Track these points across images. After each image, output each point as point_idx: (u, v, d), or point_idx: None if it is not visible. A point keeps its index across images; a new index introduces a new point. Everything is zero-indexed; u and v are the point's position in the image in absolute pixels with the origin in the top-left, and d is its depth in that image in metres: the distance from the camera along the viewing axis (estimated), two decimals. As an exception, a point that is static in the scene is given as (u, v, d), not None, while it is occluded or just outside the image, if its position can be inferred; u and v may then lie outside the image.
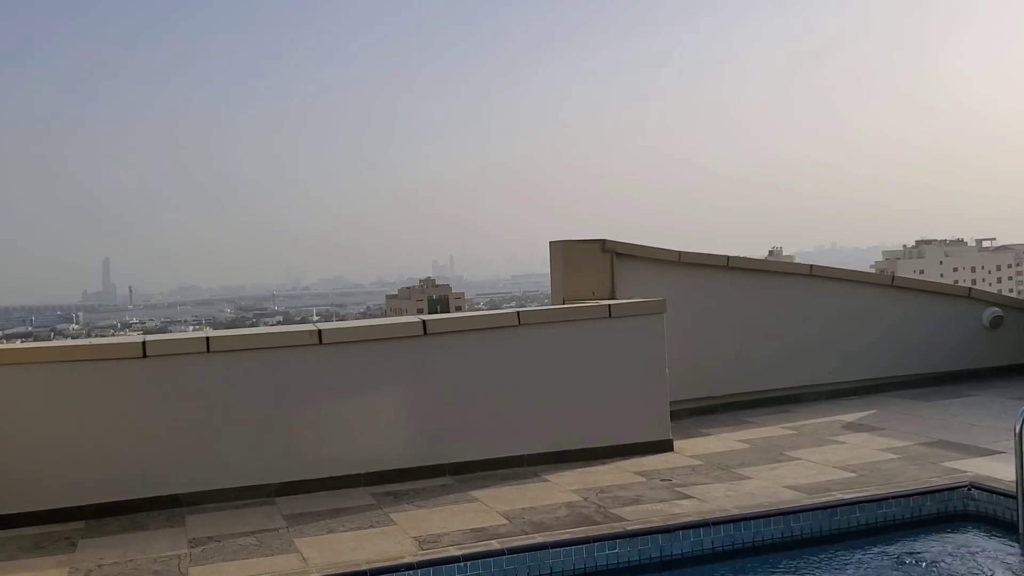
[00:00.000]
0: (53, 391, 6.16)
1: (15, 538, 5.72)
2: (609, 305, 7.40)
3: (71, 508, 6.07)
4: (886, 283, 10.10)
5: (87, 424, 6.20)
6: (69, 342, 7.88)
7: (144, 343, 6.31)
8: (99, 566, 5.10)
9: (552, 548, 5.07)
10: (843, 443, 7.34)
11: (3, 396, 6.06)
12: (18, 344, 7.41)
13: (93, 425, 6.21)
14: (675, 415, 7.67)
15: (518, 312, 7.24)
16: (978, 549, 5.35)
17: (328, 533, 5.53)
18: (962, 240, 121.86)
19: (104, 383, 6.25)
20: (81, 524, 5.97)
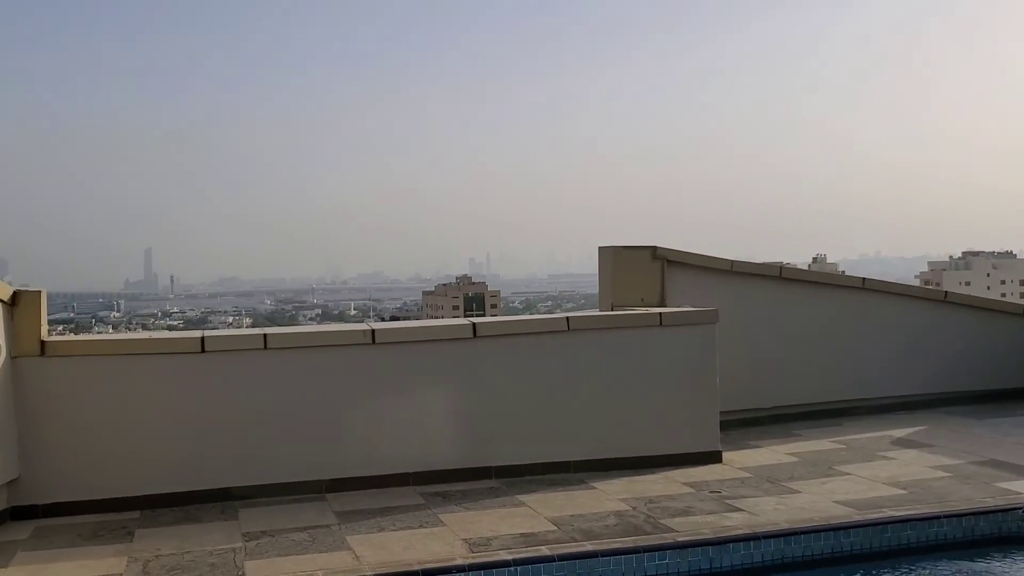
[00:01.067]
0: (113, 383, 6.29)
1: (74, 526, 5.85)
2: (660, 313, 7.39)
3: (127, 498, 6.20)
4: (938, 298, 9.97)
5: (145, 416, 6.32)
6: (131, 335, 8.04)
7: (203, 338, 6.42)
8: (156, 556, 5.20)
9: (602, 556, 5.09)
10: (893, 459, 7.27)
11: (65, 387, 6.19)
12: (79, 336, 7.57)
13: (151, 417, 6.33)
14: (723, 426, 7.63)
15: (567, 317, 7.26)
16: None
17: (379, 531, 5.59)
18: (1011, 252, 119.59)
19: (163, 377, 6.36)
20: (136, 514, 6.08)
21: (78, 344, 6.48)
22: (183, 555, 5.21)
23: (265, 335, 6.58)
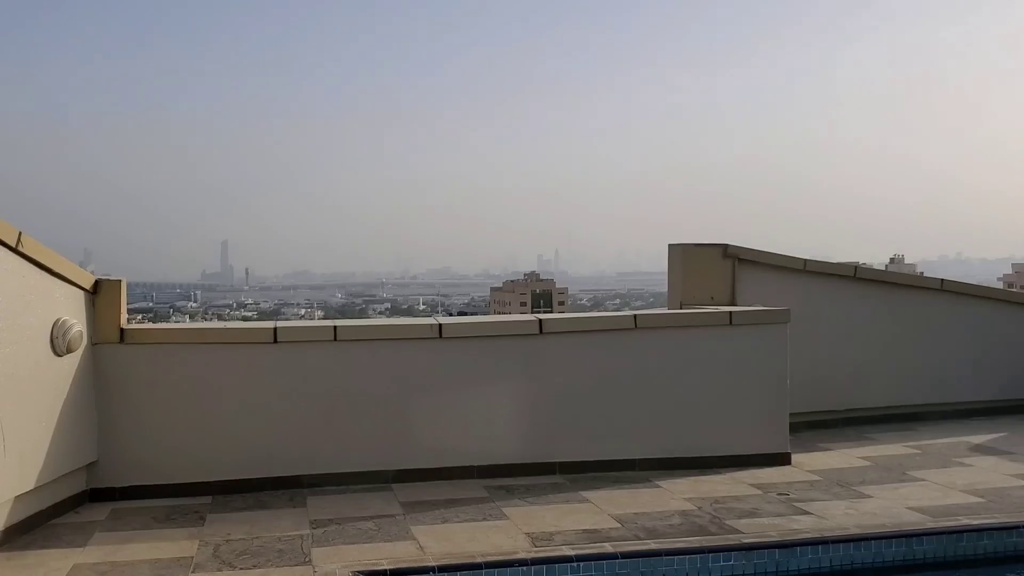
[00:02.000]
0: (189, 371, 6.44)
1: (148, 508, 6.01)
2: (730, 312, 7.29)
3: (199, 483, 6.35)
4: (1021, 301, 9.64)
5: (218, 404, 6.46)
6: (206, 324, 8.23)
7: (276, 329, 6.53)
8: (227, 541, 5.32)
9: (666, 555, 5.03)
10: (970, 466, 7.06)
11: (142, 374, 6.36)
12: (156, 325, 7.78)
13: (224, 406, 6.47)
14: (793, 428, 7.50)
15: (635, 315, 7.20)
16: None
17: (443, 523, 5.63)
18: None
19: (236, 366, 6.50)
20: (208, 499, 6.23)
21: (155, 332, 6.66)
22: (252, 540, 5.32)
23: (335, 327, 6.67)
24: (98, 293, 6.25)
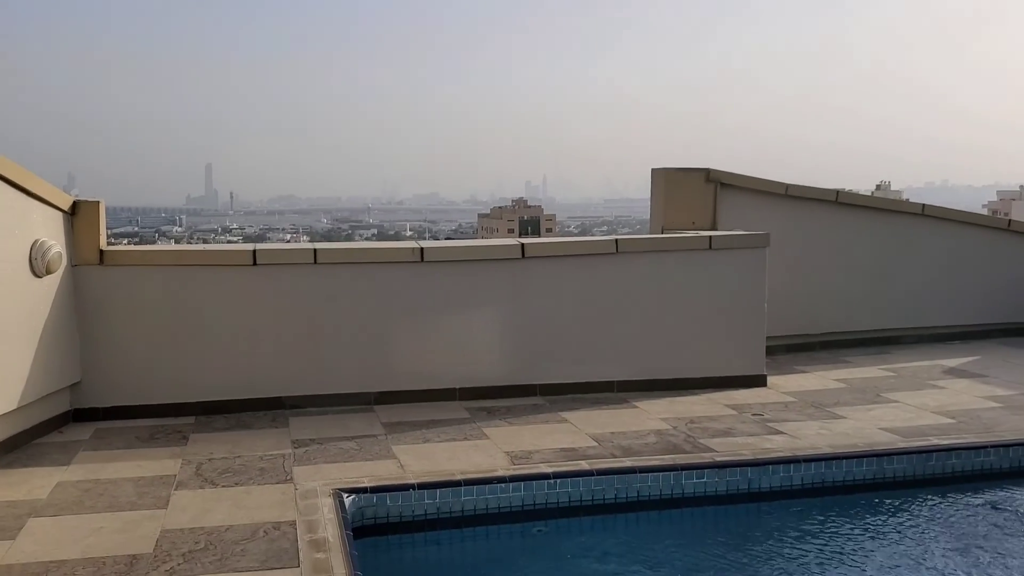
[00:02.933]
0: (169, 293, 6.44)
1: (132, 428, 6.08)
2: (710, 237, 7.31)
3: (182, 404, 6.41)
4: (1001, 227, 9.70)
5: (200, 326, 6.48)
6: (186, 247, 8.20)
7: (255, 251, 6.53)
8: (209, 459, 5.40)
9: (640, 473, 5.15)
10: (943, 388, 7.19)
11: (123, 296, 6.36)
12: (135, 247, 7.75)
13: (205, 327, 6.49)
14: (771, 351, 7.61)
15: (616, 239, 7.22)
16: (1079, 505, 5.23)
17: (424, 443, 5.72)
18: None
19: (216, 288, 6.50)
20: (191, 420, 6.30)
21: (135, 254, 6.64)
22: (234, 459, 5.40)
23: (315, 250, 6.66)
24: (76, 215, 6.21)
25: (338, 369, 6.68)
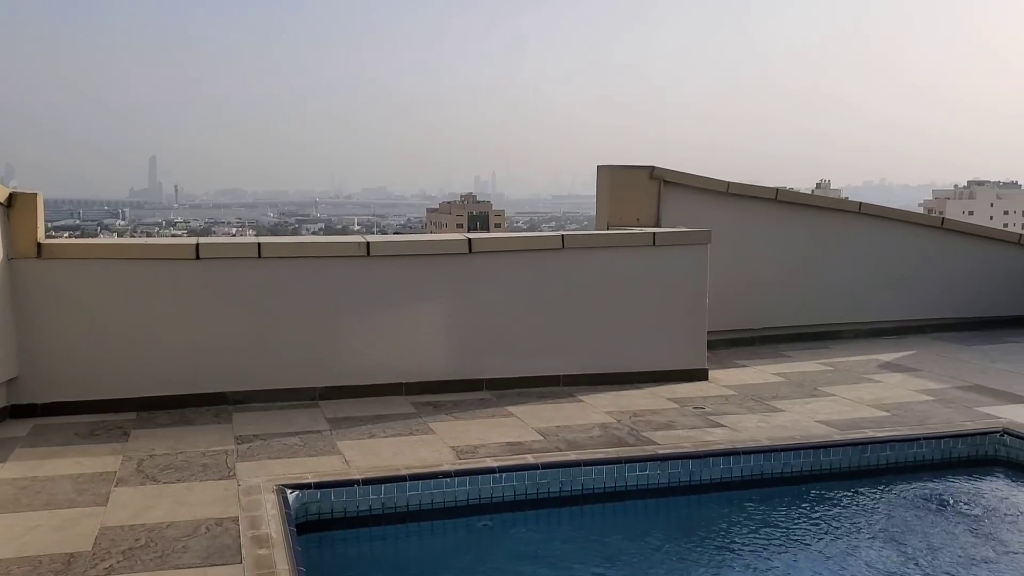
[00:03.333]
0: (110, 287, 6.35)
1: (71, 425, 5.98)
2: (654, 233, 7.41)
3: (124, 399, 6.32)
4: (935, 225, 9.98)
5: (142, 320, 6.40)
6: (127, 240, 8.07)
7: (198, 245, 6.46)
8: (151, 456, 5.34)
9: (585, 466, 5.22)
10: (879, 382, 7.38)
11: (63, 289, 6.26)
12: (77, 240, 7.61)
13: (147, 322, 6.41)
14: (712, 345, 7.74)
15: (562, 235, 7.28)
16: (1006, 493, 5.41)
17: (369, 438, 5.72)
18: (1016, 183, 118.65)
19: (158, 282, 6.42)
20: (133, 416, 6.21)
21: (74, 247, 6.53)
22: (176, 455, 5.35)
23: (259, 244, 6.61)
24: (13, 206, 6.09)
25: (283, 364, 6.64)
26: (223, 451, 5.43)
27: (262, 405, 6.47)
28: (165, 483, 4.87)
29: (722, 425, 6.04)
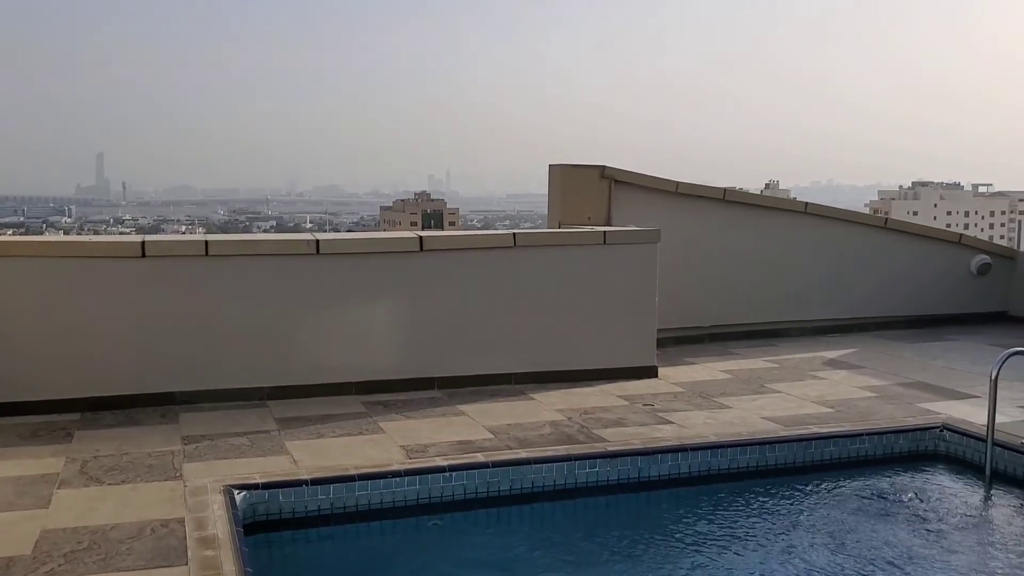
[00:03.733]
0: (53, 285, 6.23)
1: (14, 426, 5.86)
2: (604, 232, 7.46)
3: (68, 400, 6.21)
4: (879, 224, 10.19)
5: (85, 319, 6.30)
6: (71, 238, 7.92)
7: (143, 243, 6.36)
8: (95, 457, 5.25)
9: (535, 464, 5.24)
10: (823, 379, 7.51)
11: (4, 288, 6.12)
12: (20, 237, 7.46)
13: (91, 321, 6.31)
14: (661, 343, 7.82)
15: (514, 234, 7.30)
16: (946, 488, 5.55)
17: (319, 438, 5.69)
18: (959, 184, 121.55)
19: (103, 280, 6.32)
20: (77, 416, 6.10)
21: (16, 245, 6.40)
22: (121, 456, 5.27)
23: (206, 242, 6.54)
24: (-49, 204, 5.95)
25: (231, 363, 6.58)
26: (169, 452, 5.36)
27: (210, 405, 6.40)
28: (110, 484, 4.80)
29: (671, 422, 6.11)
